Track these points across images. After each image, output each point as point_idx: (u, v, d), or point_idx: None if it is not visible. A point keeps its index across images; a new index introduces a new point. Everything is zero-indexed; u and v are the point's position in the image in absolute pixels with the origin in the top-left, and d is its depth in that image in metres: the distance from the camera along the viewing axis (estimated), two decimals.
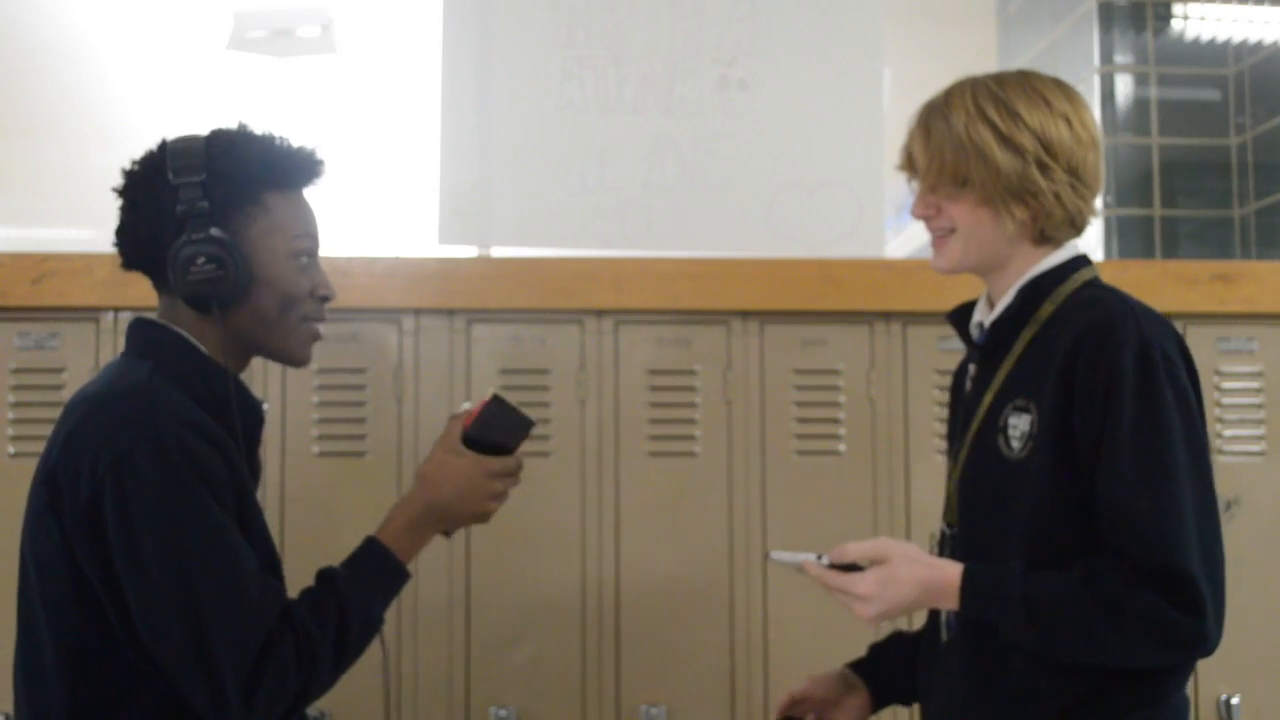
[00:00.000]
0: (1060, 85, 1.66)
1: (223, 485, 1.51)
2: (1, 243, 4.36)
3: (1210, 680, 2.57)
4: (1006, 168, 1.59)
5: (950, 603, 1.54)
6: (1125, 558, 1.47)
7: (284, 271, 1.62)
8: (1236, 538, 2.60)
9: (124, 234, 1.63)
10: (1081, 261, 1.66)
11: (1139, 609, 1.45)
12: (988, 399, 1.63)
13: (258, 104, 4.45)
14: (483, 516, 1.68)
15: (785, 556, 1.61)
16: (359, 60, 4.60)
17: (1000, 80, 1.65)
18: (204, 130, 1.63)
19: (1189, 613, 1.45)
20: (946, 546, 1.68)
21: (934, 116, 1.65)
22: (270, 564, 1.60)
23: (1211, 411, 2.63)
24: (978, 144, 1.60)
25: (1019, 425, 1.57)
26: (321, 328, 1.70)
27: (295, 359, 1.69)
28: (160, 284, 1.64)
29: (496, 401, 1.65)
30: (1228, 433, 2.64)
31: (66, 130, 4.46)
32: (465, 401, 1.67)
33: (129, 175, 1.63)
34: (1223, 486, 2.60)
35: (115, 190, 1.64)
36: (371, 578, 1.60)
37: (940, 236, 1.67)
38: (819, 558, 1.56)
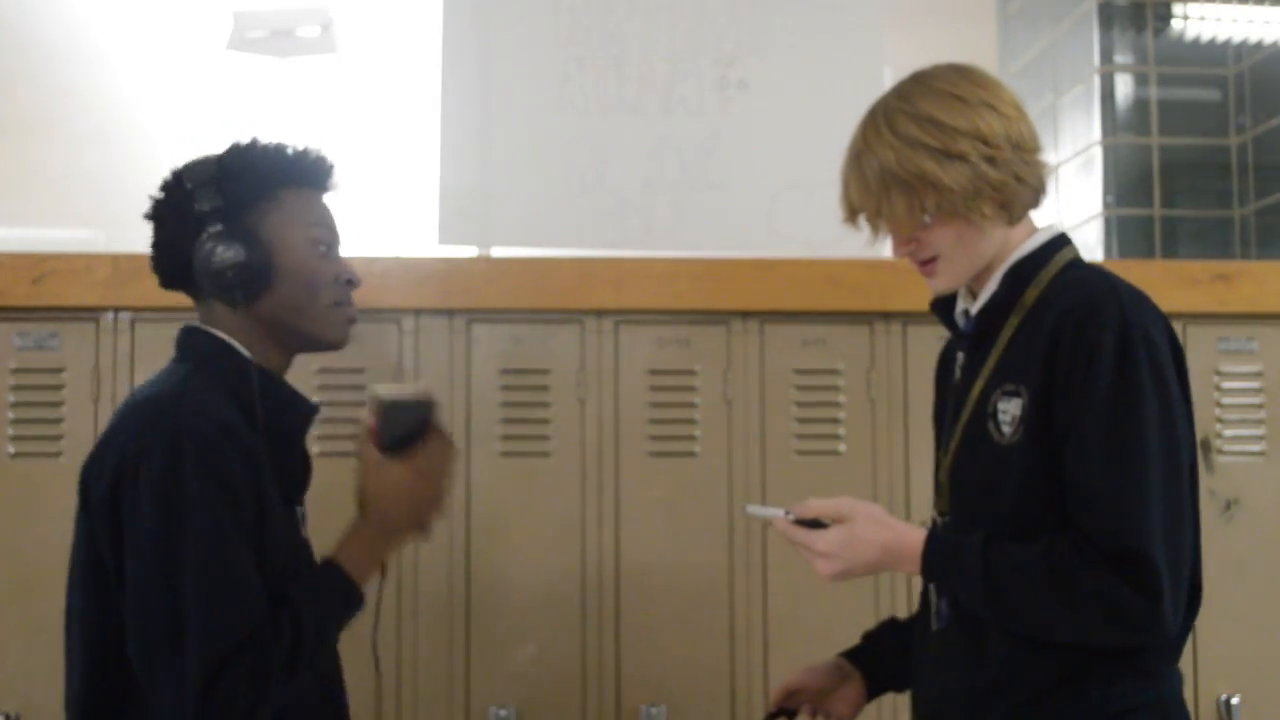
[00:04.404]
0: (959, 71, 1.62)
1: (240, 487, 1.55)
2: (1, 243, 4.35)
3: (1210, 680, 2.57)
4: (959, 180, 1.55)
5: (911, 568, 1.56)
6: (1088, 537, 1.47)
7: (305, 258, 1.68)
8: (1236, 538, 2.62)
9: (157, 252, 1.70)
10: (1061, 241, 1.64)
11: (1093, 588, 1.45)
12: (978, 386, 1.63)
13: (258, 104, 4.45)
14: (429, 522, 1.71)
15: (760, 510, 1.66)
16: (359, 60, 4.60)
17: (905, 96, 1.60)
18: (211, 136, 1.71)
19: (1145, 595, 1.44)
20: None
21: (864, 162, 1.61)
22: (288, 567, 1.63)
23: (1211, 411, 2.63)
24: (919, 173, 1.56)
25: (1009, 410, 1.57)
26: (354, 312, 1.75)
27: (332, 342, 1.74)
28: (195, 292, 1.70)
29: (387, 403, 1.66)
30: (1228, 433, 2.64)
31: (66, 130, 4.47)
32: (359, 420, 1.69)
33: (154, 201, 1.70)
34: (1223, 486, 2.65)
35: (145, 218, 1.70)
36: (329, 602, 1.62)
37: (927, 262, 1.65)
38: (786, 513, 1.59)
